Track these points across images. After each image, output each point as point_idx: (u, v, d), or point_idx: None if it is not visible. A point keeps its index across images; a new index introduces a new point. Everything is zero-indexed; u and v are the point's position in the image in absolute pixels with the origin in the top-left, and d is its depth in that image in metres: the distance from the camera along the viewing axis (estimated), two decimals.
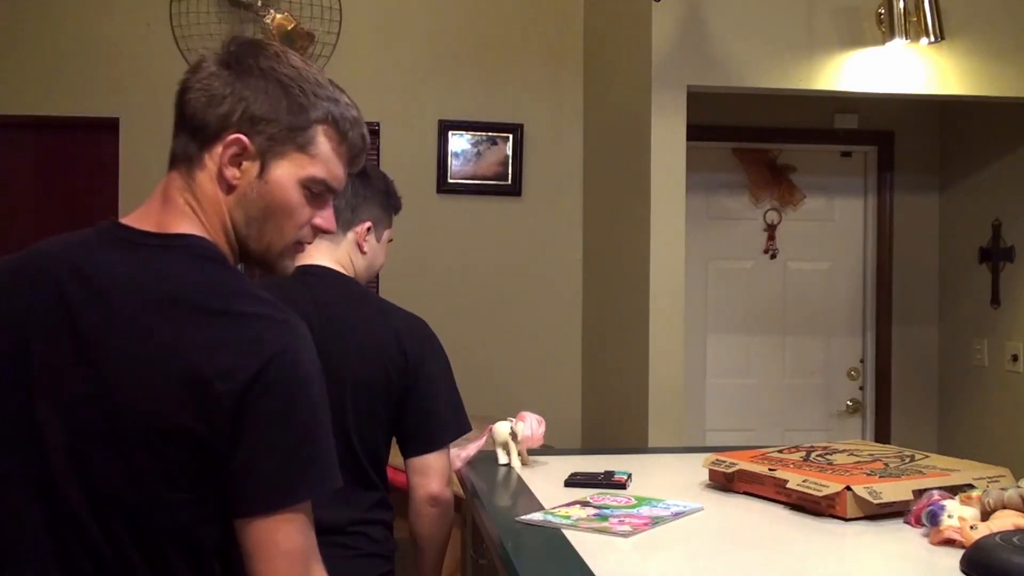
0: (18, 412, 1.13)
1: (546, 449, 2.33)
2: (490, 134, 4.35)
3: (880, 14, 3.35)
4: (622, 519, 1.59)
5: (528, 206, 4.38)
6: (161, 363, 1.09)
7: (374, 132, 4.29)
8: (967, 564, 1.30)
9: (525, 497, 1.83)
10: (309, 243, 1.28)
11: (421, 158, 4.31)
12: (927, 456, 1.86)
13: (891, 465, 1.77)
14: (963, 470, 1.74)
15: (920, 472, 1.71)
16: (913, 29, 3.29)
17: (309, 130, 1.21)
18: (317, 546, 1.15)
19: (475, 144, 4.34)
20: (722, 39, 3.36)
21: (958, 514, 1.45)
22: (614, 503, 1.71)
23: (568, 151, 4.39)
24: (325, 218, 1.26)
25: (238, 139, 1.19)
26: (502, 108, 4.35)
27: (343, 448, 1.77)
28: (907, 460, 1.82)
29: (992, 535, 1.32)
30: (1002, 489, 1.47)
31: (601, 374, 4.13)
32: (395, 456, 1.96)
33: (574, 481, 1.91)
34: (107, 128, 4.15)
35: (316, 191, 1.23)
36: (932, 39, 3.29)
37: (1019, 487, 1.47)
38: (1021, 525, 1.37)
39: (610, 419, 3.95)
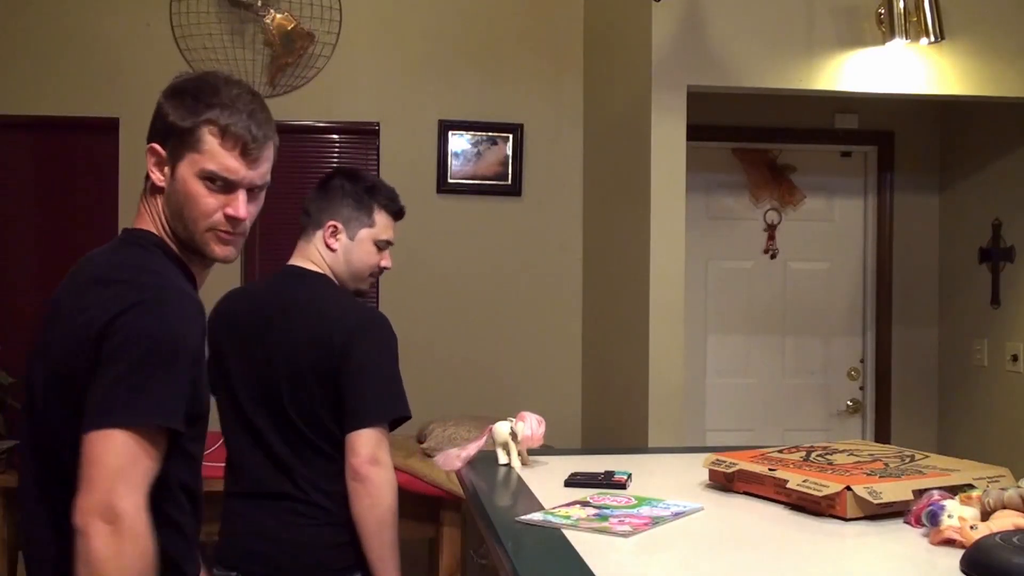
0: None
1: (546, 449, 2.33)
2: (490, 134, 4.35)
3: (880, 14, 3.35)
4: (622, 519, 1.59)
5: (528, 206, 4.38)
6: (68, 320, 1.43)
7: (374, 132, 4.29)
8: (967, 564, 1.30)
9: (525, 497, 1.83)
10: (225, 231, 1.52)
11: (421, 158, 4.31)
12: (927, 456, 1.86)
13: (891, 465, 1.77)
14: (963, 470, 1.74)
15: (920, 472, 1.71)
16: (913, 29, 3.29)
17: (196, 131, 1.48)
18: (143, 473, 1.33)
19: (475, 144, 4.34)
20: (722, 39, 3.36)
21: (958, 514, 1.45)
22: (614, 503, 1.71)
23: (568, 151, 4.39)
24: (234, 207, 1.51)
25: (153, 147, 1.51)
26: (502, 108, 4.35)
27: (282, 420, 2.11)
28: (907, 460, 1.82)
29: (992, 535, 1.32)
30: (1002, 489, 1.47)
31: (601, 374, 4.13)
32: (399, 459, 1.98)
33: (574, 481, 1.91)
34: (107, 128, 4.15)
35: (217, 183, 1.49)
36: (932, 39, 3.29)
37: (1019, 487, 1.47)
38: (1021, 525, 1.37)
39: (610, 419, 3.95)
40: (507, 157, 4.34)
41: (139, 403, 1.33)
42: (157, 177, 1.51)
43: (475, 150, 4.35)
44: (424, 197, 4.31)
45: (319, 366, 2.11)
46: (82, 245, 4.17)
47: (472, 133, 4.34)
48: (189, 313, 1.44)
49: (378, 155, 4.30)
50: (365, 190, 2.30)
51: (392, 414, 2.13)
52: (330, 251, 2.29)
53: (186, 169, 1.48)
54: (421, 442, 3.66)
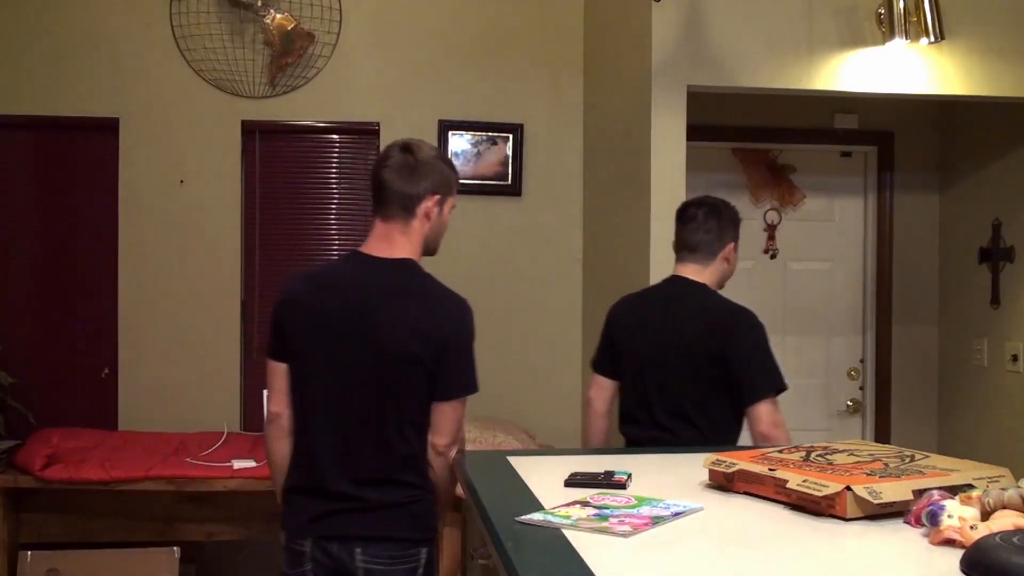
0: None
1: (546, 449, 2.32)
2: (490, 134, 4.35)
3: (880, 14, 3.35)
4: (622, 519, 1.59)
5: (528, 206, 4.38)
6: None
7: (374, 132, 4.29)
8: (967, 564, 1.30)
9: (525, 497, 1.82)
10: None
11: None
12: (927, 456, 1.86)
13: (891, 465, 1.77)
14: (963, 470, 1.73)
15: (920, 472, 1.71)
16: (913, 29, 3.29)
17: None
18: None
19: (475, 144, 4.34)
20: (722, 39, 3.36)
21: (958, 514, 1.45)
22: (614, 503, 1.71)
23: (568, 151, 4.39)
24: None
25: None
26: (502, 108, 4.35)
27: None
28: (907, 460, 1.82)
29: (992, 535, 1.32)
30: (1002, 489, 1.47)
31: None
32: None
33: (574, 481, 1.91)
34: (107, 128, 4.15)
35: None
36: (932, 39, 3.29)
37: (1019, 487, 1.46)
38: (1021, 525, 1.37)
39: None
40: (507, 157, 4.34)
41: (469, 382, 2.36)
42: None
43: (475, 150, 4.35)
44: None
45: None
46: (82, 245, 4.21)
47: (472, 133, 4.34)
48: None
49: (378, 155, 4.30)
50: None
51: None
52: (728, 264, 2.82)
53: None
54: None
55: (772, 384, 2.59)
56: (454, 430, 2.24)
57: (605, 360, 2.87)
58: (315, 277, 2.34)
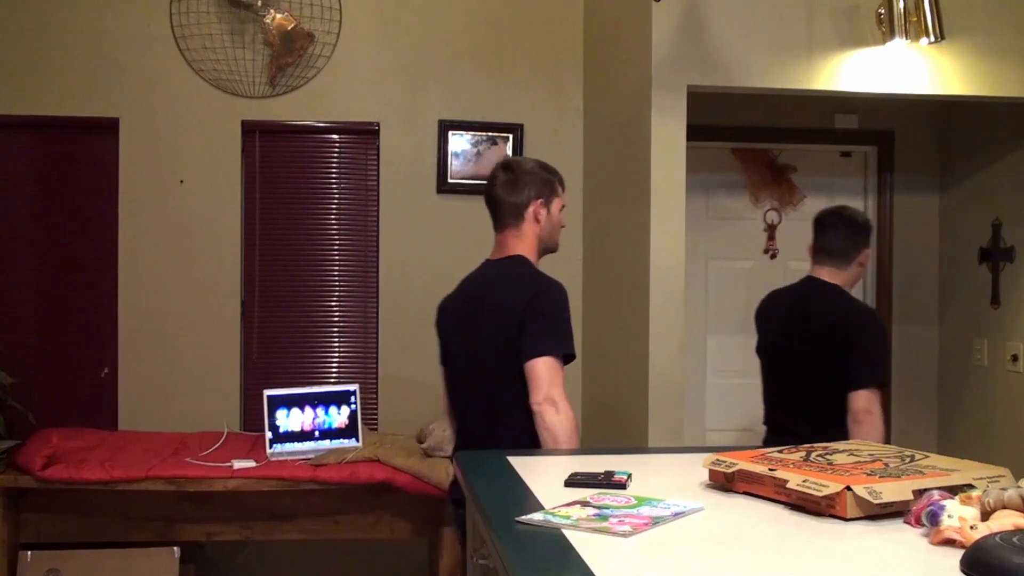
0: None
1: (546, 449, 2.33)
2: (490, 134, 4.35)
3: (880, 14, 3.35)
4: (622, 519, 1.59)
5: None
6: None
7: (374, 132, 4.29)
8: (967, 564, 1.30)
9: (525, 497, 1.82)
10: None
11: (421, 158, 4.31)
12: (927, 456, 1.86)
13: (891, 465, 1.77)
14: (963, 470, 1.73)
15: (920, 472, 1.71)
16: (913, 29, 3.29)
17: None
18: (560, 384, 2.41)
19: (475, 144, 4.34)
20: (722, 39, 3.36)
21: (958, 514, 1.44)
22: (614, 503, 1.71)
23: (568, 151, 4.39)
24: None
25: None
26: (502, 108, 4.35)
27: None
28: (907, 460, 1.82)
29: (992, 535, 1.32)
30: (1002, 489, 1.47)
31: (601, 374, 4.13)
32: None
33: (574, 481, 1.91)
34: (107, 128, 4.15)
35: None
36: (932, 39, 3.29)
37: (1019, 487, 1.46)
38: (1021, 525, 1.37)
39: (610, 419, 3.95)
40: (507, 157, 4.34)
41: (558, 340, 2.48)
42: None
43: (475, 150, 4.34)
44: (424, 197, 4.31)
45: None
46: (82, 245, 4.21)
47: (472, 133, 4.34)
48: None
49: (378, 155, 4.30)
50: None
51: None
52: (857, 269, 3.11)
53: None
54: (421, 442, 3.66)
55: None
56: (542, 387, 2.42)
57: None
58: (460, 287, 2.78)
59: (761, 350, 3.24)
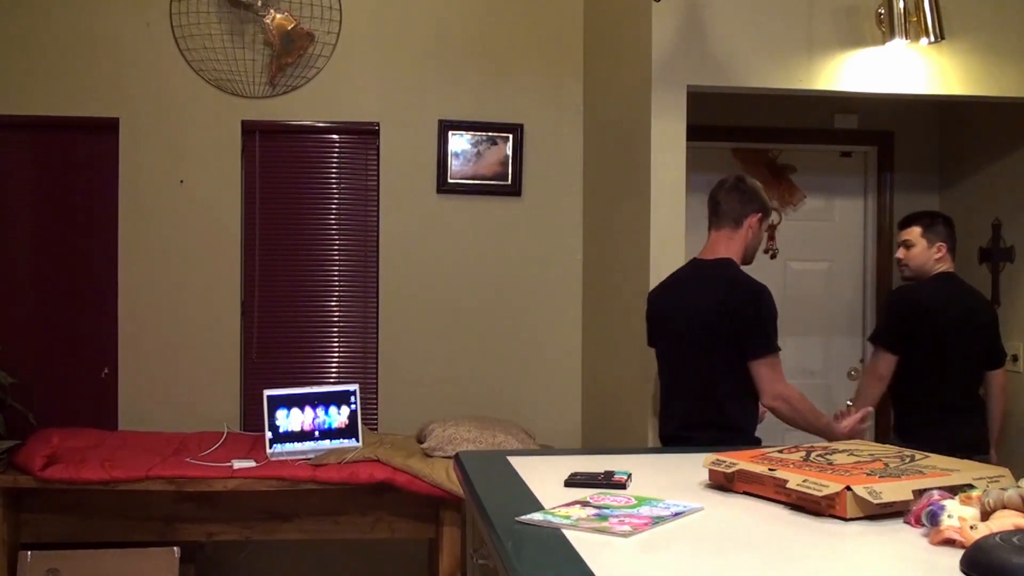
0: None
1: (546, 449, 2.33)
2: (490, 134, 4.35)
3: (880, 14, 3.35)
4: (622, 519, 1.59)
5: (528, 206, 4.38)
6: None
7: (374, 132, 4.29)
8: (967, 564, 1.30)
9: (525, 497, 1.83)
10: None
11: (421, 158, 4.31)
12: (927, 456, 1.86)
13: (891, 465, 1.77)
14: (963, 470, 1.73)
15: (920, 472, 1.71)
16: (913, 29, 3.29)
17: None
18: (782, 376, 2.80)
19: (475, 144, 4.34)
20: (722, 39, 3.36)
21: (958, 514, 1.45)
22: (614, 503, 1.71)
23: (568, 151, 4.39)
24: None
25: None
26: (502, 108, 4.35)
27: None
28: (907, 460, 1.82)
29: (992, 535, 1.32)
30: (1002, 489, 1.47)
31: (601, 373, 4.12)
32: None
33: (574, 481, 1.91)
34: (107, 128, 4.15)
35: None
36: (932, 39, 3.29)
37: (1019, 487, 1.46)
38: (1021, 525, 1.37)
39: (610, 419, 3.95)
40: (507, 157, 4.34)
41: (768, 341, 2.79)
42: None
43: (475, 150, 4.34)
44: (424, 197, 4.31)
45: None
46: (82, 245, 4.21)
47: (472, 133, 4.34)
48: None
49: (378, 155, 4.30)
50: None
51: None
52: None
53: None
54: (421, 442, 3.66)
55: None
56: (770, 386, 2.78)
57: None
58: (672, 281, 3.07)
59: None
